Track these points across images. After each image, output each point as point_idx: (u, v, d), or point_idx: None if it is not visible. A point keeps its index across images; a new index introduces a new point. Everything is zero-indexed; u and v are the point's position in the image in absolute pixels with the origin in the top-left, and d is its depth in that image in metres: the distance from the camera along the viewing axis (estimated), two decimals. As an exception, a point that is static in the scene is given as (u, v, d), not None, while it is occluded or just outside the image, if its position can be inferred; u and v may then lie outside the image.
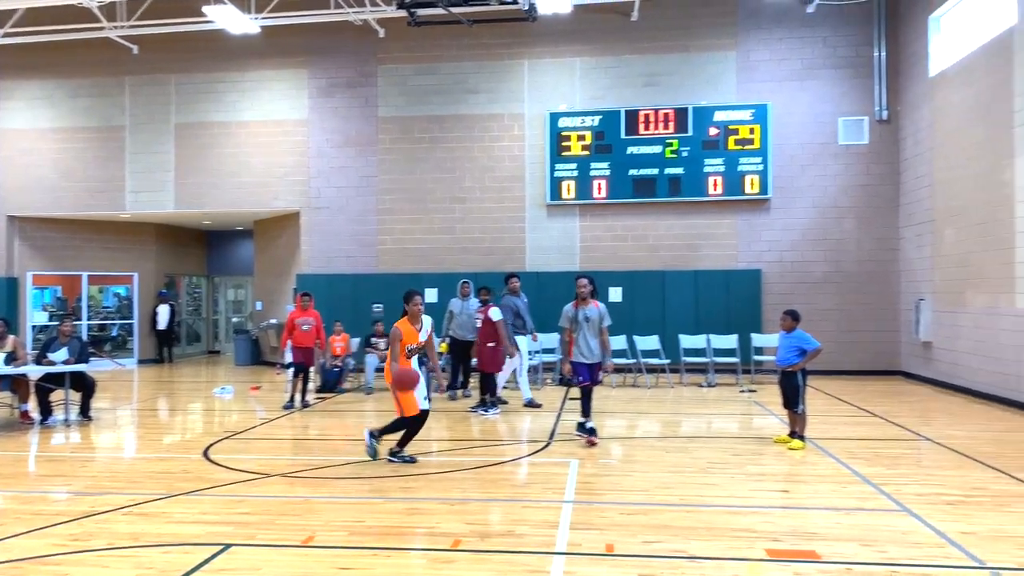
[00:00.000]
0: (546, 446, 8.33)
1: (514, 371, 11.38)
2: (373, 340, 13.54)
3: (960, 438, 8.61)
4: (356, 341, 13.96)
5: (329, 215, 16.52)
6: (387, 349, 13.39)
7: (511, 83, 15.98)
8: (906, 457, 7.80)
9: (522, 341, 11.32)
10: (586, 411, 8.37)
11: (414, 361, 7.50)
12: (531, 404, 10.99)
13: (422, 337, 7.53)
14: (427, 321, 7.68)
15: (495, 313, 10.64)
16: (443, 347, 11.82)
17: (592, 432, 8.26)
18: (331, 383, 13.06)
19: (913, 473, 7.06)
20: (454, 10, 13.36)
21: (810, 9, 15.00)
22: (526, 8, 13.35)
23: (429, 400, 7.68)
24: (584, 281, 8.41)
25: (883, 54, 14.87)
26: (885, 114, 14.88)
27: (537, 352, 13.32)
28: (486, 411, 10.38)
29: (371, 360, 13.17)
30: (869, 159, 15.03)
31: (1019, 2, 10.43)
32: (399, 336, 7.30)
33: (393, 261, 16.23)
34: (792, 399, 8.12)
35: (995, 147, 11.18)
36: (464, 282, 12.26)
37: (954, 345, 12.59)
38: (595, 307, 8.36)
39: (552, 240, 15.78)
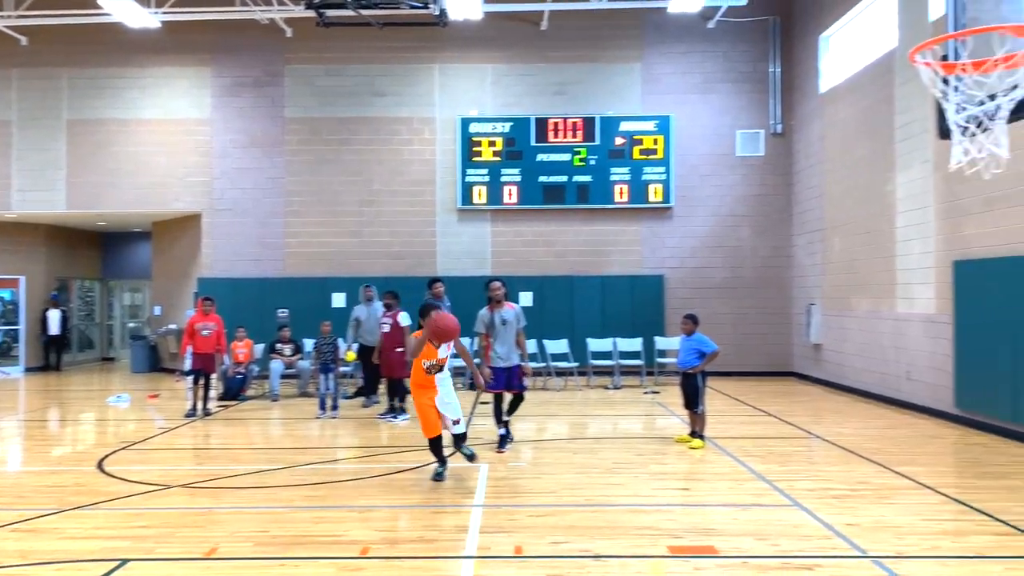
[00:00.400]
0: (455, 451, 8.36)
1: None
2: (278, 346, 13.26)
3: (847, 435, 9.15)
4: (260, 347, 13.62)
5: (233, 217, 16.07)
6: (295, 355, 13.24)
7: (422, 87, 15.97)
8: (798, 454, 8.23)
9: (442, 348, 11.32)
10: (499, 417, 8.34)
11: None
12: None
13: (441, 354, 6.78)
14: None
15: (404, 318, 10.60)
16: (350, 356, 11.68)
17: (502, 441, 8.22)
18: (234, 390, 12.70)
19: (804, 469, 7.46)
20: (364, 12, 13.26)
21: (711, 25, 15.61)
22: (437, 13, 13.38)
23: (458, 421, 6.84)
24: (498, 284, 8.40)
25: (778, 70, 15.63)
26: (780, 128, 15.64)
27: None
28: (395, 417, 10.33)
29: (276, 367, 12.89)
30: (764, 170, 15.76)
31: (899, 28, 11.18)
32: (430, 336, 6.59)
33: (300, 265, 15.93)
34: (692, 400, 8.44)
35: (878, 161, 11.93)
36: (367, 287, 12.15)
37: (841, 347, 13.34)
38: (511, 309, 8.35)
39: (463, 245, 15.84)
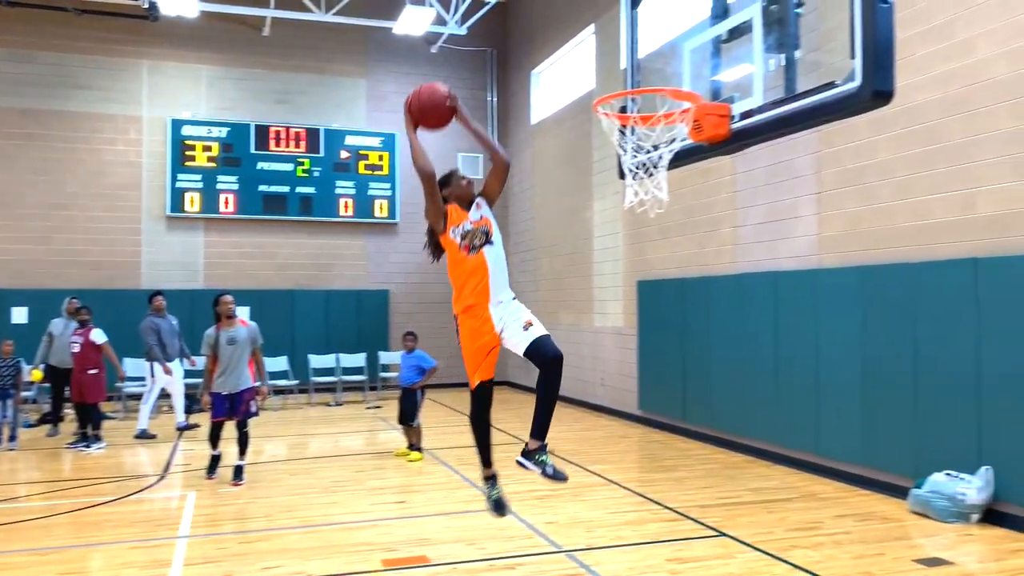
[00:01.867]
0: (160, 480, 7.80)
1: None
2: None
3: (550, 439, 9.93)
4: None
5: None
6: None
7: (128, 83, 14.66)
8: (507, 459, 8.80)
9: (169, 367, 10.52)
10: (215, 442, 7.61)
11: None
12: (144, 435, 10.15)
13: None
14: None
15: (98, 335, 9.64)
16: (36, 375, 10.35)
17: (213, 465, 7.63)
18: None
19: (512, 473, 7.96)
20: (56, -5, 11.91)
21: (434, 50, 16.20)
22: (146, 6, 12.41)
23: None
24: (230, 298, 7.64)
25: (495, 99, 16.64)
26: (497, 152, 16.62)
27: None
28: (88, 446, 9.33)
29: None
30: (484, 191, 16.63)
31: (596, 71, 12.51)
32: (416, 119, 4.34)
33: (-30, 274, 13.78)
34: (409, 414, 8.70)
35: (579, 190, 13.20)
36: (72, 299, 10.89)
37: (549, 358, 14.48)
38: (243, 327, 7.64)
39: (172, 255, 14.75)
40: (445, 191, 4.43)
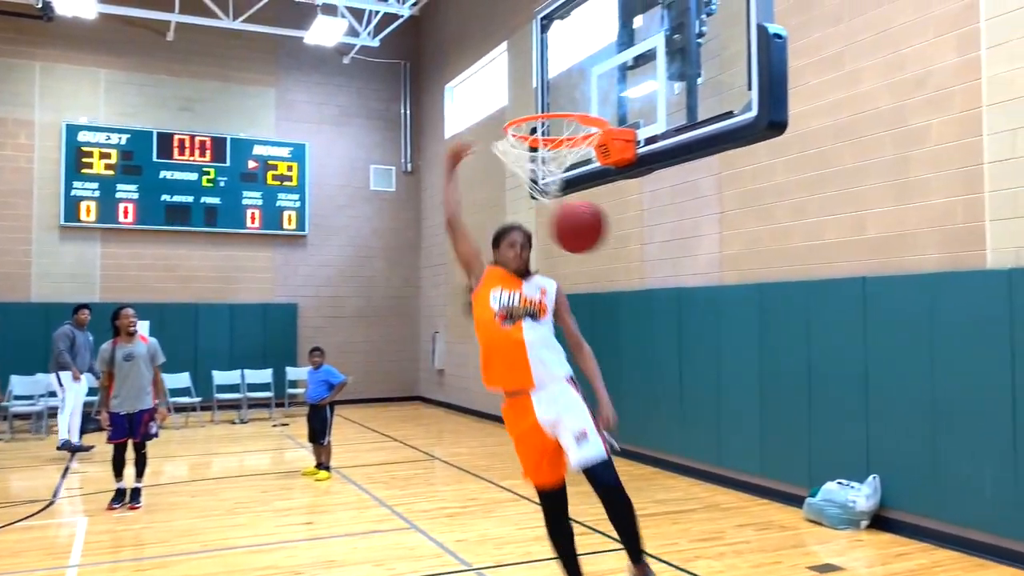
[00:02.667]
0: (48, 505, 7.38)
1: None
2: None
3: (463, 455, 9.95)
4: None
5: None
6: None
7: (18, 85, 13.90)
8: (418, 477, 8.75)
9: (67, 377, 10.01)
10: (119, 469, 7.20)
11: None
12: (68, 447, 9.74)
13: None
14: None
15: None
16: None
17: (118, 497, 7.16)
18: None
19: (422, 491, 7.96)
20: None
21: (346, 60, 16.03)
22: (40, 5, 11.82)
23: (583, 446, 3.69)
24: (131, 312, 7.25)
25: (408, 112, 16.58)
26: (410, 166, 16.57)
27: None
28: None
29: None
30: (397, 205, 16.55)
31: (509, 88, 12.64)
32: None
33: None
34: (320, 432, 8.52)
35: (493, 205, 13.27)
36: None
37: (462, 372, 14.48)
38: (143, 343, 7.26)
39: (66, 267, 14.03)
40: (495, 252, 3.90)
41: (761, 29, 3.52)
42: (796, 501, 6.81)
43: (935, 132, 6.04)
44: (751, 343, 7.52)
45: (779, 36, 3.53)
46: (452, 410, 14.71)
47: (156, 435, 7.34)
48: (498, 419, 13.03)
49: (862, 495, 6.17)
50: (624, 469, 8.87)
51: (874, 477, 6.23)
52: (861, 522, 6.18)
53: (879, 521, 6.22)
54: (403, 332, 16.46)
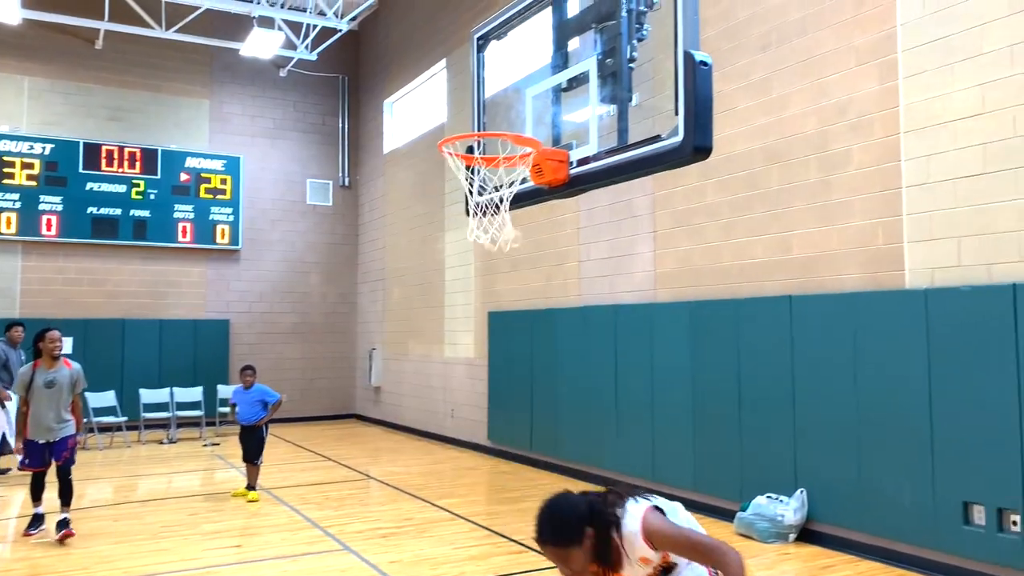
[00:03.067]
0: (-41, 533, 7.02)
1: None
2: None
3: (398, 474, 9.84)
4: None
5: None
6: None
7: (-68, 91, 13.31)
8: (352, 497, 8.61)
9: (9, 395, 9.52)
10: (37, 496, 6.85)
11: None
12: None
13: None
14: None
15: None
16: None
17: (35, 522, 6.83)
18: None
19: (356, 512, 7.83)
20: None
21: (283, 73, 15.82)
22: (-43, 9, 11.37)
23: None
24: (56, 335, 6.89)
25: (346, 126, 16.45)
26: (347, 180, 16.42)
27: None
28: None
29: None
30: (334, 220, 16.35)
31: (448, 105, 12.66)
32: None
33: None
34: (256, 452, 8.32)
35: (431, 221, 13.24)
36: None
37: (399, 389, 14.34)
38: (66, 368, 6.89)
39: (-17, 281, 13.43)
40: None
41: (687, 56, 3.61)
42: (728, 515, 6.93)
43: (856, 156, 6.28)
44: (684, 359, 7.66)
45: (704, 63, 3.62)
46: (389, 428, 14.54)
47: (73, 461, 6.94)
48: (434, 436, 12.94)
49: (790, 509, 6.32)
50: (563, 486, 8.91)
51: (801, 491, 6.40)
52: (789, 535, 6.33)
53: (806, 534, 6.38)
54: (339, 349, 16.23)
